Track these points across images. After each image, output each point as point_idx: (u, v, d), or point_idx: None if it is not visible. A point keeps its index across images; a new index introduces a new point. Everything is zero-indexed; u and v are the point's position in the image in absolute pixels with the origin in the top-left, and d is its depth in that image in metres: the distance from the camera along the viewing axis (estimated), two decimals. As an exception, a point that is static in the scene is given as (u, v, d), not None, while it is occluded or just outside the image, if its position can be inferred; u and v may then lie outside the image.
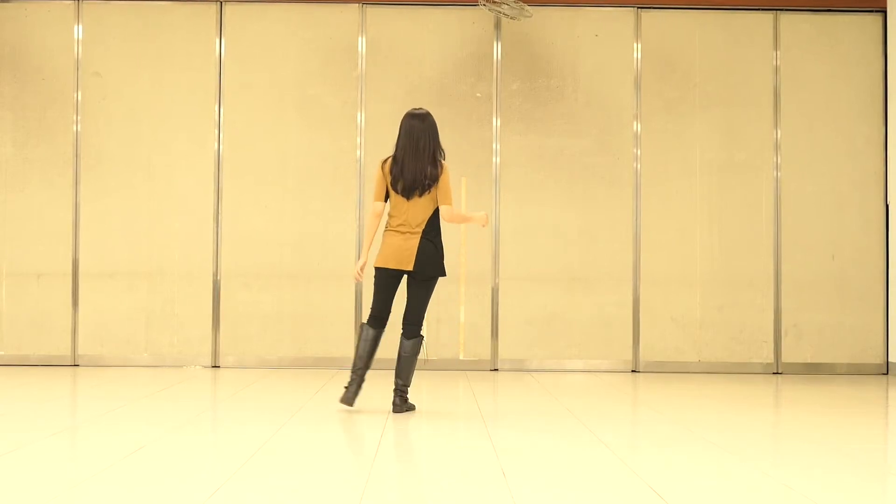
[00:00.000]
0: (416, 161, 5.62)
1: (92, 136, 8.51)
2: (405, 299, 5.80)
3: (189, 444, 4.73)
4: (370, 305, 5.84)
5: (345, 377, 7.81)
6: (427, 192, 5.64)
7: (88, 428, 5.19)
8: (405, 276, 5.76)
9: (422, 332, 5.78)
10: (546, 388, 7.24)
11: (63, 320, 8.46)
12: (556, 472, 4.13)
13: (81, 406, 6.26)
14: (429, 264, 5.65)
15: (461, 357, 8.43)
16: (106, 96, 8.54)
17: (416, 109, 5.79)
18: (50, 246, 8.47)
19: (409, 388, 5.80)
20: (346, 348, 8.44)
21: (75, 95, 8.52)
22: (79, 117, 8.51)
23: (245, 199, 8.51)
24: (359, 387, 5.73)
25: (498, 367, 8.48)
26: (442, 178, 5.65)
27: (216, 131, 8.54)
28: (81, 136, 8.50)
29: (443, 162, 5.70)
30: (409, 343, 5.70)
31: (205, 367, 8.44)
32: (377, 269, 5.75)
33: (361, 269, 5.83)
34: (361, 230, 8.47)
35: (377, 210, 5.77)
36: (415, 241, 5.63)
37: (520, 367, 8.48)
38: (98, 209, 8.49)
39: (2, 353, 8.44)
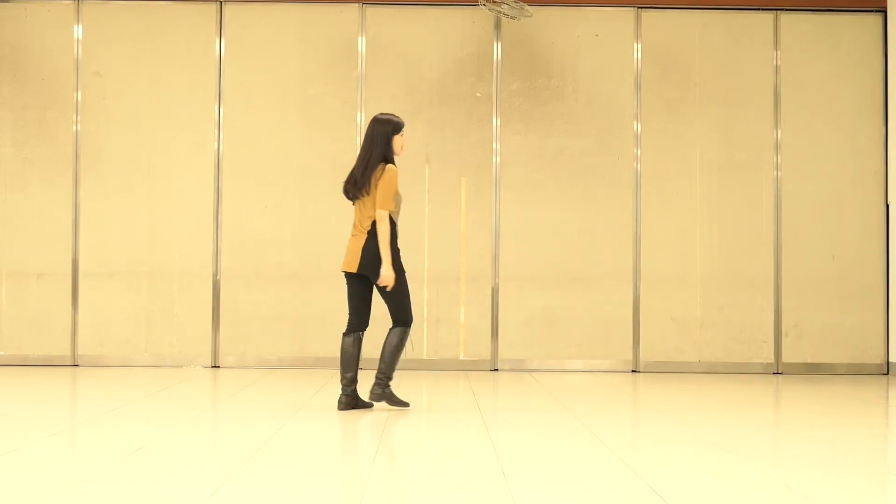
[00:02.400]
0: (359, 165, 5.80)
1: (92, 136, 8.51)
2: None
3: (189, 444, 4.73)
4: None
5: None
6: (367, 196, 5.76)
7: (88, 428, 5.19)
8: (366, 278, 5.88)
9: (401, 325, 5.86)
10: (546, 388, 7.24)
11: (63, 320, 8.46)
12: (556, 472, 4.13)
13: (81, 406, 6.26)
14: (373, 265, 5.74)
15: (461, 357, 8.43)
16: (106, 96, 8.54)
17: (380, 114, 5.96)
18: (50, 246, 8.47)
19: (389, 378, 5.85)
20: (346, 348, 8.44)
21: (75, 95, 8.52)
22: (79, 117, 8.51)
23: (245, 199, 8.51)
24: (346, 398, 5.96)
25: (498, 367, 8.48)
26: (380, 181, 5.73)
27: (216, 131, 8.54)
28: (81, 136, 8.50)
29: (386, 165, 5.76)
30: (391, 333, 5.83)
31: (205, 367, 8.44)
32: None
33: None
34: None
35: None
36: (361, 242, 5.78)
37: (520, 367, 8.48)
38: (98, 209, 8.49)
39: (2, 353, 8.44)
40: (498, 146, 8.54)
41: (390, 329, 5.84)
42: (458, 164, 8.39)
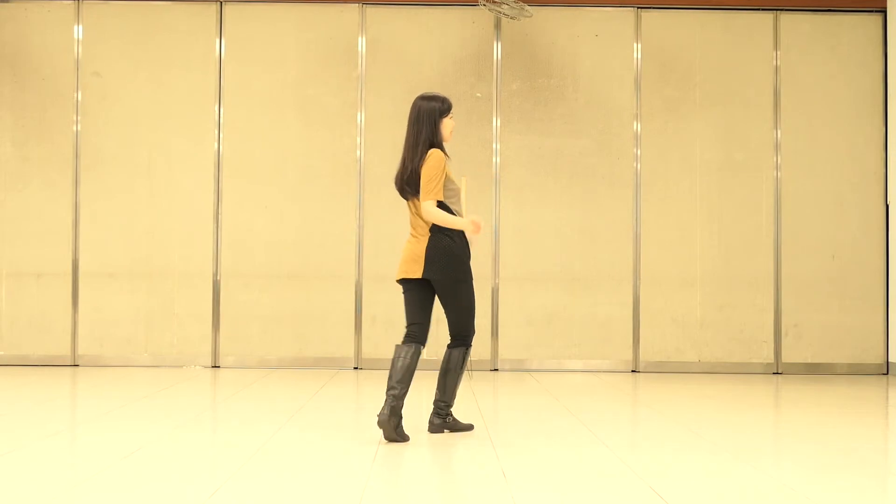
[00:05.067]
0: (407, 153, 4.93)
1: (92, 136, 8.51)
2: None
3: (189, 444, 4.72)
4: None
5: (345, 377, 7.83)
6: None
7: (88, 428, 5.19)
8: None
9: (469, 344, 5.00)
10: (546, 388, 7.24)
11: (63, 320, 8.46)
12: (557, 473, 4.13)
13: (81, 406, 6.26)
14: (434, 268, 4.86)
15: (461, 357, 8.42)
16: (106, 96, 8.54)
17: (424, 93, 5.11)
18: (50, 246, 8.47)
19: (449, 406, 5.07)
20: (346, 348, 8.44)
21: (75, 95, 8.52)
22: (79, 117, 8.51)
23: (245, 199, 8.51)
24: (391, 409, 4.76)
25: (498, 368, 8.48)
26: (423, 169, 4.84)
27: (216, 131, 8.53)
28: (81, 136, 8.50)
29: (430, 151, 4.87)
30: (451, 354, 5.01)
31: (205, 367, 8.44)
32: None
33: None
34: (361, 230, 8.48)
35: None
36: (423, 244, 4.90)
37: (520, 368, 8.48)
38: (98, 209, 8.49)
39: (2, 353, 8.44)
40: (498, 146, 8.54)
41: (449, 348, 5.00)
42: (458, 163, 8.37)
